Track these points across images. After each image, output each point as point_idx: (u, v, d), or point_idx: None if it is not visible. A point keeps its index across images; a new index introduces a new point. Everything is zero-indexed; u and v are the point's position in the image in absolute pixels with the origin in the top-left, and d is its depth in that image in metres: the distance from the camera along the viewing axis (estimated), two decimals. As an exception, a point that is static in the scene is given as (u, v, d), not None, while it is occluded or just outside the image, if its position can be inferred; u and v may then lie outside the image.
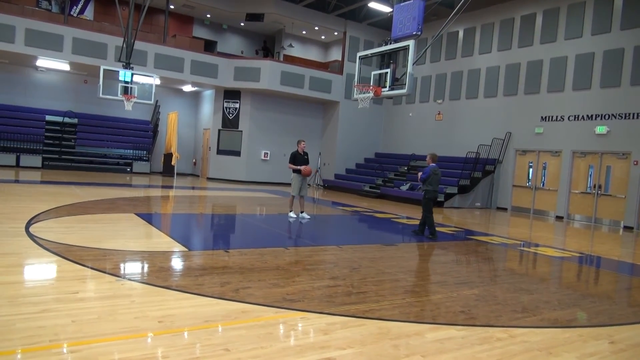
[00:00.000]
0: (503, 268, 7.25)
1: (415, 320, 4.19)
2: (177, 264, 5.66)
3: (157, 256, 5.88)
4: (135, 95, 16.09)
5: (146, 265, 5.42)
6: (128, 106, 16.06)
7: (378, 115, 22.83)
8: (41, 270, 4.97)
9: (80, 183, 14.30)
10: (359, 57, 10.75)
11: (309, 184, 15.37)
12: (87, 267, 5.05)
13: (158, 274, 5.05)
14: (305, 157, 10.47)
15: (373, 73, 10.34)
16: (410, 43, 9.26)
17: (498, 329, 4.14)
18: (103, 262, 5.29)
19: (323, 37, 24.72)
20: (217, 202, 13.59)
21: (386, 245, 8.06)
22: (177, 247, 6.45)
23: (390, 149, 22.33)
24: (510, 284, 5.90)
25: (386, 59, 10.32)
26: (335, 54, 24.78)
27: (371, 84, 10.23)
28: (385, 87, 10.01)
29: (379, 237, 9.72)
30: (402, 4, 9.61)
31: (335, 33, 23.02)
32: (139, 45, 17.76)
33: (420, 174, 9.27)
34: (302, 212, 10.65)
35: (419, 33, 9.14)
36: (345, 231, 10.25)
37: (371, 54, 10.66)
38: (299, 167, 10.20)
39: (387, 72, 10.00)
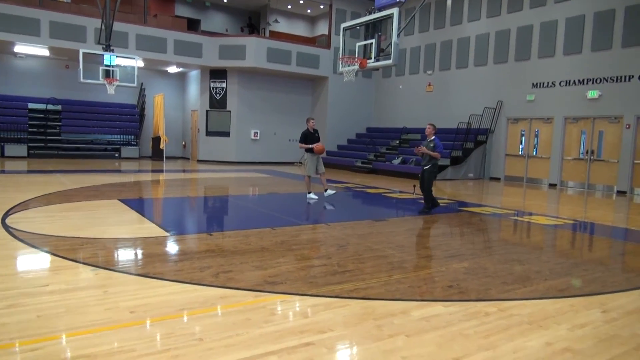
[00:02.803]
0: (495, 239, 7.13)
1: (401, 298, 4.04)
2: (157, 250, 5.48)
3: (137, 243, 5.70)
4: (118, 79, 15.67)
5: (124, 253, 5.24)
6: (110, 90, 15.66)
7: (368, 89, 22.47)
8: (12, 263, 4.78)
9: (66, 171, 14.02)
10: (343, 28, 10.42)
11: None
12: (62, 257, 4.87)
13: (136, 262, 4.87)
14: (316, 134, 10.06)
15: (358, 44, 10.03)
16: (394, 11, 8.96)
17: (487, 303, 4.01)
18: (79, 252, 5.11)
19: (309, 10, 24.15)
20: (206, 184, 13.38)
21: (376, 220, 7.91)
22: (159, 233, 6.26)
23: (381, 123, 22.06)
24: (501, 255, 5.78)
25: (371, 29, 10.01)
26: (322, 28, 24.24)
27: (356, 55, 9.92)
28: (371, 58, 9.73)
29: (370, 213, 9.56)
30: (384, -29, 9.25)
31: (322, 6, 22.47)
32: (119, 26, 17.22)
33: (422, 148, 8.62)
34: (325, 190, 10.24)
35: (403, 1, 8.81)
36: (335, 208, 10.07)
37: (355, 24, 10.32)
38: (310, 145, 9.80)
39: (372, 43, 9.71)
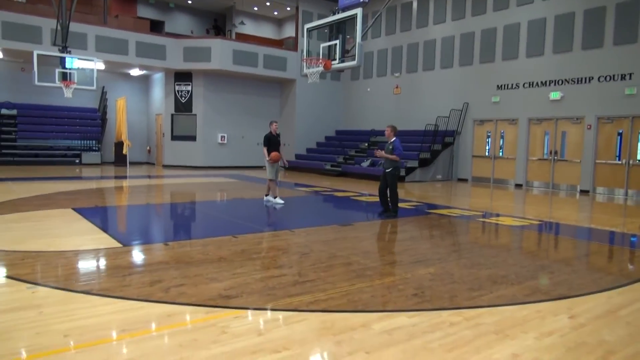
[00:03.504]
0: (462, 242, 7.02)
1: (363, 310, 3.83)
2: (106, 263, 5.11)
3: (85, 256, 5.32)
4: (75, 82, 15.05)
5: (68, 268, 4.85)
6: (67, 93, 15.00)
7: (337, 91, 22.35)
8: (-59, 282, 4.34)
9: (20, 178, 13.32)
10: (307, 29, 10.21)
11: (282, 167, 14.74)
12: (-3, 274, 4.46)
13: (80, 277, 4.51)
14: (279, 138, 10.02)
15: (322, 45, 9.84)
16: (358, 12, 8.81)
17: (452, 312, 3.84)
18: (17, 268, 4.70)
19: (276, 13, 23.89)
20: (168, 190, 12.92)
21: (342, 225, 7.70)
22: (112, 244, 5.88)
23: (350, 125, 21.96)
24: (467, 259, 5.65)
25: (335, 30, 9.83)
26: (289, 31, 24.02)
27: (320, 57, 9.73)
28: (335, 59, 9.55)
29: (336, 218, 9.35)
30: (348, -29, 9.10)
31: (288, 8, 22.25)
32: (77, 27, 16.62)
33: (381, 151, 8.51)
34: (267, 195, 10.11)
35: (367, 1, 8.66)
36: (300, 213, 9.83)
37: (319, 25, 10.13)
38: (266, 156, 9.66)
39: (336, 44, 9.52)
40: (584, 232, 7.99)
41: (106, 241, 6.03)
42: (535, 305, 4.08)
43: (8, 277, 4.42)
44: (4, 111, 18.43)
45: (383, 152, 8.52)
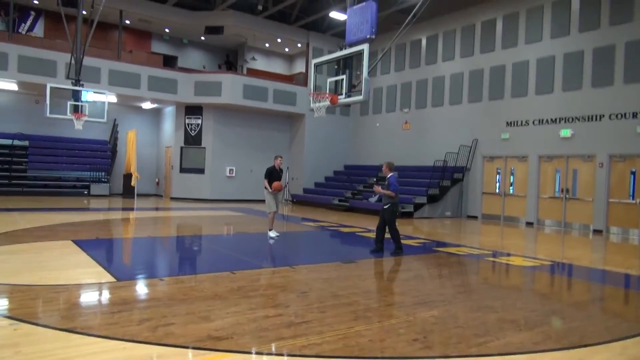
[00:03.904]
0: (469, 282, 6.74)
1: (358, 356, 3.59)
2: (95, 298, 4.94)
3: (75, 291, 5.15)
4: (86, 114, 15.23)
5: (56, 303, 4.68)
6: (78, 125, 15.17)
7: (346, 126, 22.43)
8: None
9: (27, 209, 13.32)
10: (314, 64, 10.26)
11: (285, 200, 14.59)
12: (-18, 309, 4.31)
13: (66, 314, 4.33)
14: (281, 173, 10.07)
15: (329, 80, 9.84)
16: (365, 47, 8.82)
17: (455, 361, 3.58)
18: (3, 302, 4.54)
19: (287, 49, 24.32)
20: (173, 223, 12.80)
21: (345, 263, 7.47)
22: (105, 278, 5.72)
23: (359, 160, 21.91)
24: (474, 301, 5.38)
25: (342, 65, 9.87)
26: (299, 66, 24.38)
27: (327, 91, 9.73)
28: (342, 94, 9.53)
29: (339, 254, 9.10)
30: (355, 7, 9.20)
31: (299, 45, 22.65)
32: (92, 61, 17.01)
33: (378, 187, 8.64)
34: (270, 229, 10.03)
35: (373, 36, 8.70)
36: (303, 249, 9.62)
37: (327, 60, 10.18)
38: (268, 186, 9.72)
39: (342, 79, 9.53)
40: (598, 275, 7.66)
41: (100, 275, 5.87)
42: (544, 355, 3.81)
43: (-8, 312, 4.26)
44: (16, 142, 18.68)
45: (380, 188, 8.48)
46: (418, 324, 4.43)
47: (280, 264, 7.61)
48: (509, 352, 3.81)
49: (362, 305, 4.99)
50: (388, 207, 8.41)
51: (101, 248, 8.05)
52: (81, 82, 15.26)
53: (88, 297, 4.97)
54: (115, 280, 5.66)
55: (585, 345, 4.06)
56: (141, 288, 5.49)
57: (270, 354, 3.54)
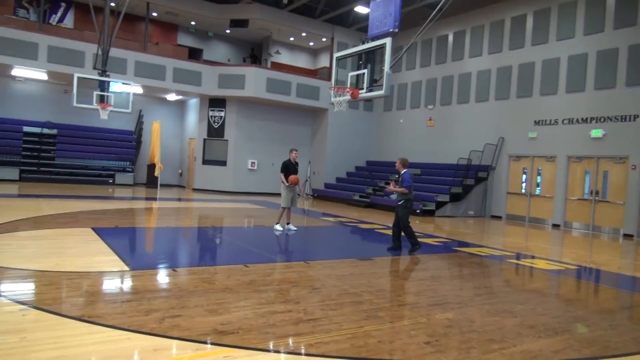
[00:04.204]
0: (488, 285, 6.52)
1: (366, 357, 3.46)
2: (107, 287, 4.94)
3: (88, 278, 5.17)
4: (112, 104, 15.44)
5: (67, 290, 4.69)
6: (103, 115, 15.40)
7: (369, 122, 22.19)
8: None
9: (53, 196, 13.60)
10: (336, 58, 10.12)
11: (298, 194, 14.66)
12: (-5, 293, 4.34)
13: (76, 301, 4.33)
14: (297, 167, 10.00)
15: (350, 74, 9.67)
16: (387, 41, 8.62)
17: (467, 367, 3.42)
18: (17, 287, 4.58)
19: (311, 43, 24.18)
20: (193, 214, 12.88)
21: (361, 259, 7.34)
22: (120, 267, 5.73)
23: (381, 156, 21.65)
24: (492, 305, 5.18)
25: (364, 59, 9.68)
26: (324, 61, 24.22)
27: (348, 86, 9.57)
28: (363, 89, 9.36)
29: (356, 251, 8.96)
30: (378, 0, 9.00)
31: (324, 39, 22.48)
32: (118, 52, 17.23)
33: (390, 185, 8.44)
34: (288, 223, 10.02)
35: (396, 30, 8.51)
36: (320, 244, 9.52)
37: (349, 54, 10.01)
38: (284, 179, 9.70)
39: (364, 73, 9.35)
40: (627, 281, 7.32)
41: (115, 264, 5.89)
42: (564, 364, 3.61)
43: (4, 296, 4.29)
44: (45, 131, 19.11)
45: (393, 185, 8.29)
46: (431, 327, 4.28)
47: (294, 258, 7.53)
48: (526, 360, 3.63)
49: (375, 305, 4.86)
50: (402, 203, 8.24)
51: (119, 237, 8.11)
52: (107, 73, 15.48)
53: (99, 286, 4.98)
54: (128, 269, 5.67)
55: (609, 357, 3.84)
56: (153, 278, 5.48)
57: (273, 351, 3.45)
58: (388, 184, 8.95)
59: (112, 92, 15.61)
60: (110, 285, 5.02)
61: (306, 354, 3.42)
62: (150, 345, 3.39)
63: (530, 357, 3.70)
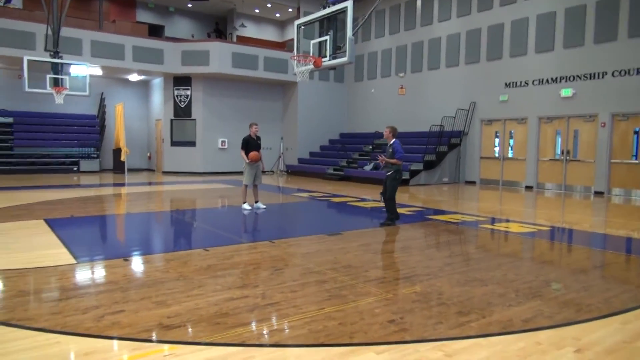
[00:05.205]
0: (459, 252, 6.32)
1: (325, 343, 3.18)
2: (45, 284, 4.53)
3: (26, 275, 4.75)
4: (67, 87, 14.65)
5: (1, 290, 4.28)
6: (59, 99, 14.61)
7: (340, 93, 21.74)
8: None
9: (9, 187, 12.91)
10: (297, 25, 9.64)
11: (266, 171, 14.27)
12: None
13: (7, 303, 3.92)
14: (258, 141, 9.58)
15: (312, 42, 9.23)
16: (349, 4, 8.21)
17: (432, 345, 3.17)
18: (-58, 291, 4.15)
19: (277, 14, 23.40)
20: (157, 198, 12.39)
21: (330, 235, 7.05)
22: (66, 260, 5.31)
23: (354, 128, 21.32)
24: (462, 274, 4.97)
25: (326, 26, 9.21)
26: (291, 33, 23.36)
27: (311, 54, 9.12)
28: (326, 56, 8.93)
29: (325, 226, 8.64)
30: (337, -39, 8.49)
31: (290, 9, 21.76)
32: (73, 32, 16.33)
33: (382, 157, 7.84)
34: (256, 201, 9.69)
35: (356, -8, 8.04)
36: (288, 222, 9.21)
37: (310, 20, 9.53)
38: (244, 156, 9.36)
39: (326, 40, 8.90)
40: (599, 239, 7.24)
41: (61, 257, 5.46)
42: (534, 334, 3.40)
43: None
44: (0, 119, 18.14)
45: (384, 157, 7.83)
46: (397, 302, 4.03)
47: (260, 238, 7.20)
48: (494, 333, 3.40)
49: (339, 283, 4.59)
50: (391, 174, 7.85)
51: (72, 227, 7.62)
52: (60, 54, 14.63)
53: (36, 283, 4.57)
54: (75, 262, 5.26)
55: (581, 321, 3.65)
56: (100, 270, 5.08)
57: (225, 344, 3.13)
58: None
59: (67, 74, 14.78)
60: (48, 282, 4.60)
61: (257, 345, 3.12)
62: (80, 349, 3.04)
63: (500, 328, 3.48)
